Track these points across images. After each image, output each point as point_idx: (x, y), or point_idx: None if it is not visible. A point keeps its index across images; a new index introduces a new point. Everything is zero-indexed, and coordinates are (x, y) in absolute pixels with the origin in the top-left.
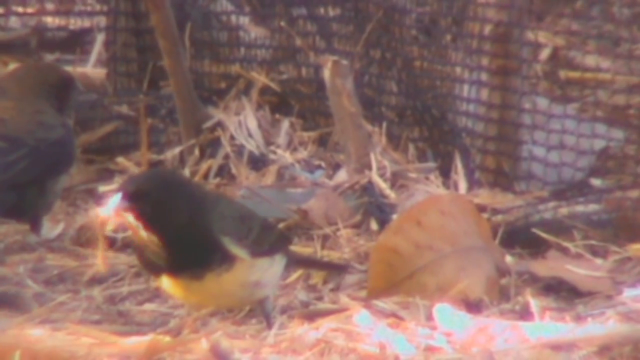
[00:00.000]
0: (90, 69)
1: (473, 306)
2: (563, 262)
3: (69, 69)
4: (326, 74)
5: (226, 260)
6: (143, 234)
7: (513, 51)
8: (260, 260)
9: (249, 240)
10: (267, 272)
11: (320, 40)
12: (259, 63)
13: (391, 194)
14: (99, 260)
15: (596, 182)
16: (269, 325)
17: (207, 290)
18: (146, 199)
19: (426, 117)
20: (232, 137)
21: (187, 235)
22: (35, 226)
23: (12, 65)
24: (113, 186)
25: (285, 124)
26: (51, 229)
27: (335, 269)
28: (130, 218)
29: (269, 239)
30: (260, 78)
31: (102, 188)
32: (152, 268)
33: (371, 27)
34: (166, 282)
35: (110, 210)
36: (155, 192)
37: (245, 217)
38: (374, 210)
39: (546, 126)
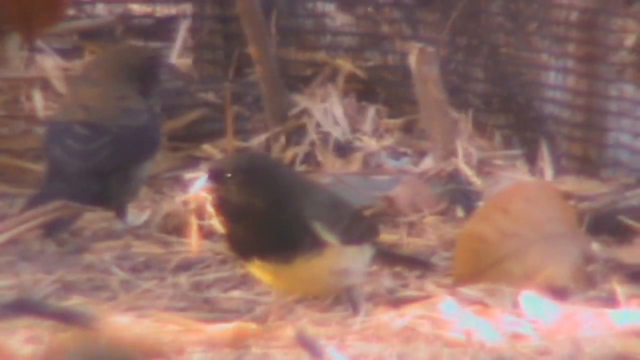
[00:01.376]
0: (175, 56)
1: (559, 293)
2: None
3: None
4: (412, 61)
5: (317, 245)
6: (228, 215)
7: (599, 38)
8: (350, 248)
9: (340, 227)
10: (356, 260)
11: (406, 27)
12: (345, 50)
13: (477, 181)
14: (193, 242)
15: None
16: (356, 312)
17: (296, 276)
18: (230, 180)
19: (512, 104)
20: (318, 125)
21: (276, 220)
22: (121, 213)
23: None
24: (198, 173)
25: (371, 111)
26: (137, 216)
27: (421, 267)
28: (215, 198)
29: (359, 227)
30: (346, 65)
31: (188, 175)
32: (241, 252)
33: (457, 14)
34: (254, 267)
35: (196, 190)
36: (239, 173)
37: (338, 205)
38: (460, 197)
39: (632, 113)
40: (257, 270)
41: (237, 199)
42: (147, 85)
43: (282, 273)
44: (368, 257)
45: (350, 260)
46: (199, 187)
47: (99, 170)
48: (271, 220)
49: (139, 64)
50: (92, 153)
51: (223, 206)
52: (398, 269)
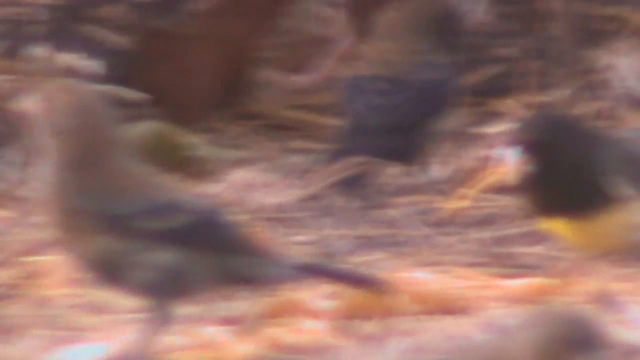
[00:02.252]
0: (480, 11)
1: None
2: None
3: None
4: None
5: (618, 201)
6: (536, 175)
7: None
8: None
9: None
10: None
11: None
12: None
13: None
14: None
15: None
16: None
17: (597, 231)
18: (543, 149)
19: None
20: (620, 80)
21: (578, 177)
22: (423, 168)
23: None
24: (500, 128)
25: None
26: (439, 171)
27: None
28: (523, 162)
29: None
30: None
31: (489, 130)
32: (543, 210)
33: None
34: (556, 224)
35: (509, 159)
36: (551, 139)
37: (635, 159)
38: None
39: None
40: (558, 226)
41: (549, 165)
42: (448, 39)
43: (584, 229)
44: None
45: None
46: (511, 155)
47: (400, 125)
48: (575, 178)
49: (440, 17)
50: (394, 108)
51: (535, 173)
52: None
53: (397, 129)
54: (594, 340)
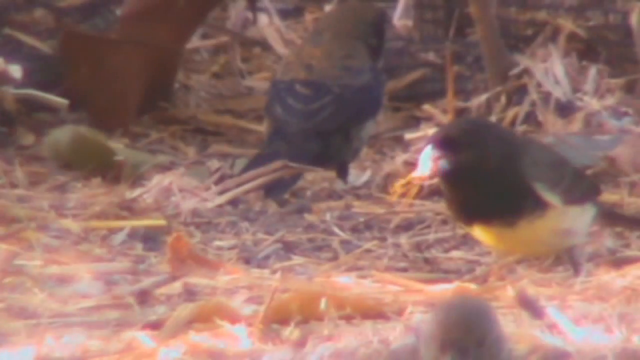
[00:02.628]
0: (397, 16)
1: None
2: None
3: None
4: (634, 20)
5: (539, 206)
6: (454, 181)
7: None
8: (572, 208)
9: (561, 187)
10: (578, 220)
11: None
12: (566, 10)
13: None
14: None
15: None
16: (577, 273)
17: (519, 237)
18: (457, 147)
19: None
20: (539, 84)
21: (498, 182)
22: (342, 173)
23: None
24: (419, 133)
25: (592, 71)
26: (358, 176)
27: None
28: (442, 166)
29: (580, 187)
30: (567, 24)
31: (409, 135)
32: (463, 216)
33: None
34: (476, 230)
35: (424, 163)
36: (466, 138)
37: (558, 164)
38: None
39: None
40: (479, 232)
41: (465, 164)
42: (375, 44)
43: (505, 235)
44: (590, 217)
45: (572, 221)
46: (427, 157)
47: (320, 130)
48: (495, 183)
49: (373, 21)
50: (314, 113)
51: (450, 172)
52: (619, 229)
53: (316, 134)
54: (485, 328)
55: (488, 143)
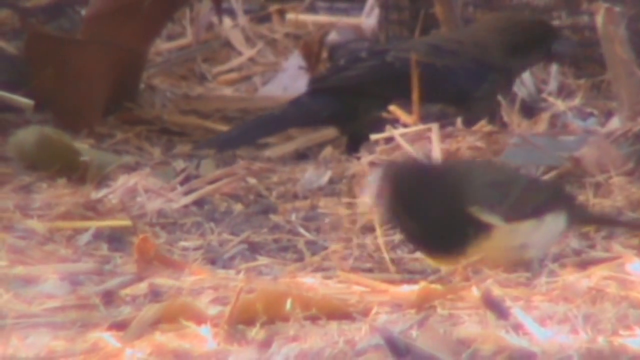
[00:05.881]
0: (363, 18)
1: None
2: None
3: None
4: (599, 21)
5: (482, 229)
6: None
7: None
8: (522, 224)
9: (503, 206)
10: (534, 234)
11: None
12: (532, 10)
13: None
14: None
15: None
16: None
17: (472, 260)
18: (398, 194)
19: None
20: None
21: (440, 221)
22: (307, 174)
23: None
24: (385, 134)
25: (557, 72)
26: (322, 176)
27: (633, 228)
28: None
29: (533, 200)
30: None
31: (374, 136)
32: (413, 246)
33: None
34: (431, 260)
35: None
36: (404, 187)
37: (500, 183)
38: None
39: None
40: (433, 262)
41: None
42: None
43: (459, 261)
44: (555, 227)
45: (525, 236)
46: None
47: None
48: (436, 223)
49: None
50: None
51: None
52: (586, 229)
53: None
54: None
55: (421, 187)
